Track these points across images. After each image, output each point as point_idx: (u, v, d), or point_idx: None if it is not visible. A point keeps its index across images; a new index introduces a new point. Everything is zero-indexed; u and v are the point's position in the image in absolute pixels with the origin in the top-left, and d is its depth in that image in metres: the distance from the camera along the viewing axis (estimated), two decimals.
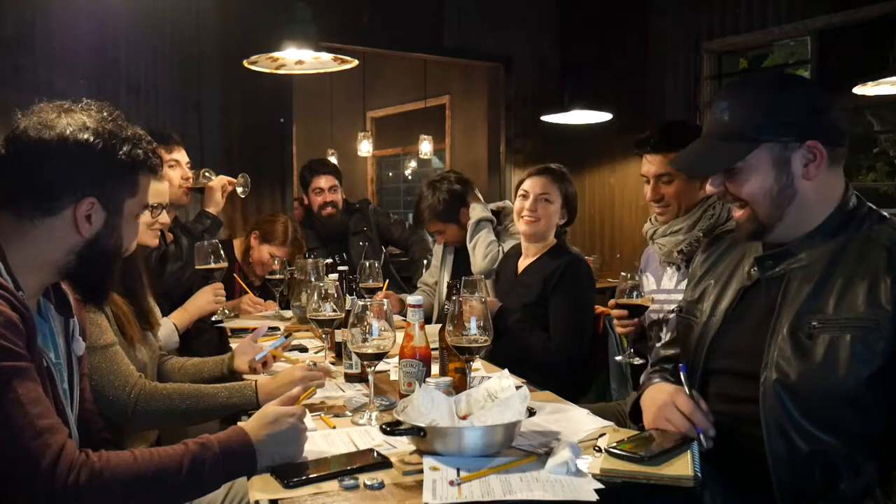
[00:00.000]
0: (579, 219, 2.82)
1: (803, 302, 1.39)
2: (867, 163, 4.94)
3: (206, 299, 2.58)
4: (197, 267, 2.62)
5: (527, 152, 5.49)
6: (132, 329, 1.87)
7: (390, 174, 9.34)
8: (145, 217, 2.24)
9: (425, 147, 6.81)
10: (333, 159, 6.22)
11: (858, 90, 3.40)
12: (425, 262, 3.84)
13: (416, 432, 1.38)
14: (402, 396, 1.73)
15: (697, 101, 4.69)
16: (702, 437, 1.42)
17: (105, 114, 1.28)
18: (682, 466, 1.29)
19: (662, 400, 1.50)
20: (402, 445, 1.47)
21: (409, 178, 8.96)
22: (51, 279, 1.30)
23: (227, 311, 2.76)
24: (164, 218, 2.33)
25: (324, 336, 2.19)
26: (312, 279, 2.65)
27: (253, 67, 3.02)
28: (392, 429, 1.41)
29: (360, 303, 1.68)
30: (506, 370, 1.62)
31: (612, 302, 2.15)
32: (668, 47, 4.88)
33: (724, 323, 1.53)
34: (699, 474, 1.27)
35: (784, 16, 4.20)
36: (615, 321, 2.23)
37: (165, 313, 2.49)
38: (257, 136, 4.52)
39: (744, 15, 4.40)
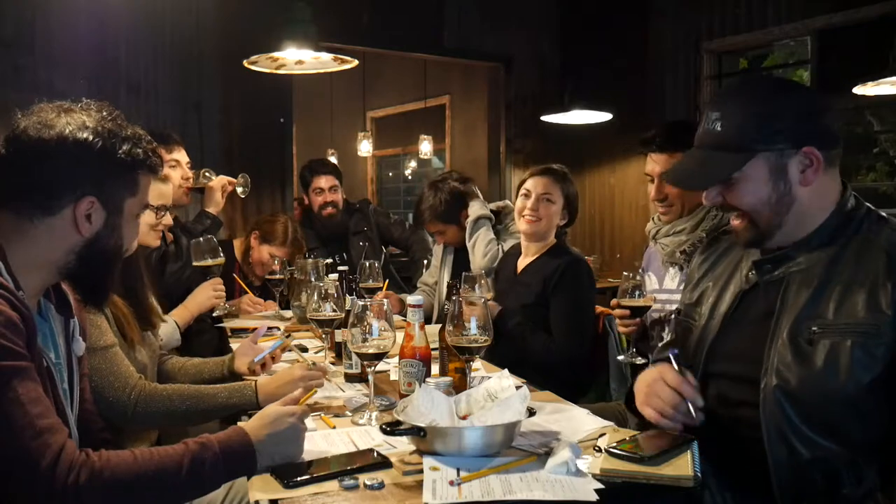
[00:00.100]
0: (579, 219, 2.82)
1: (803, 307, 1.38)
2: (867, 163, 4.93)
3: (205, 295, 2.59)
4: (194, 264, 2.62)
5: (527, 152, 5.49)
6: (132, 330, 1.87)
7: (390, 174, 9.35)
8: (149, 218, 2.25)
9: (425, 147, 6.81)
10: (333, 159, 6.22)
11: (858, 90, 3.40)
12: (425, 262, 3.83)
13: (416, 432, 1.38)
14: (402, 396, 1.73)
15: (697, 101, 4.69)
16: (691, 408, 1.41)
17: (105, 113, 1.28)
18: (682, 466, 1.29)
19: (652, 377, 1.49)
20: (402, 445, 1.47)
21: (409, 178, 8.97)
22: (51, 279, 1.30)
23: (227, 306, 2.76)
24: (168, 219, 2.34)
25: (324, 336, 2.19)
26: (312, 279, 2.66)
27: (253, 67, 3.02)
28: (392, 429, 1.41)
29: (360, 303, 1.68)
30: (506, 370, 1.62)
31: (614, 302, 2.15)
32: (668, 47, 4.88)
33: (722, 327, 1.52)
34: (699, 474, 1.26)
35: (784, 16, 4.20)
36: (617, 321, 2.22)
37: (166, 312, 2.49)
38: (257, 136, 4.52)
39: (744, 15, 4.40)
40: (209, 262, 2.60)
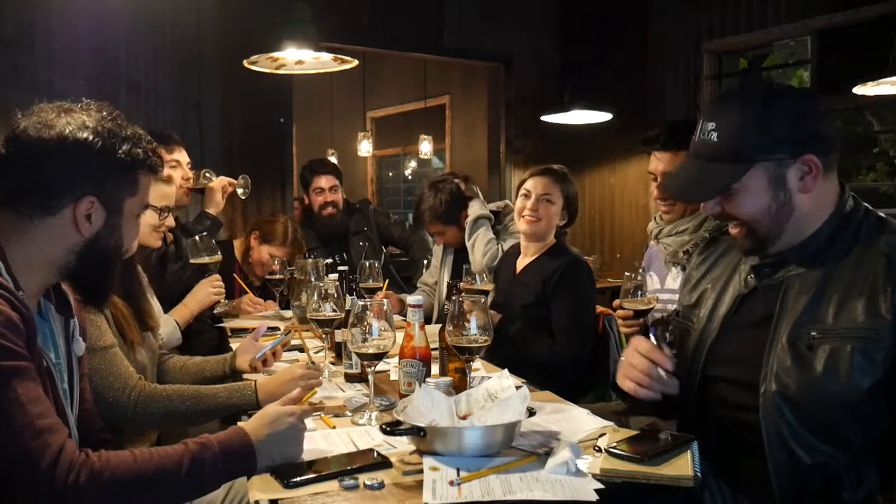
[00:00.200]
0: (579, 219, 2.82)
1: (802, 311, 1.37)
2: (867, 163, 4.94)
3: (204, 292, 2.59)
4: (191, 261, 2.63)
5: (527, 152, 5.49)
6: (132, 332, 1.87)
7: (390, 174, 9.35)
8: (152, 219, 2.26)
9: (425, 147, 6.81)
10: (333, 159, 6.22)
11: (858, 90, 3.40)
12: (425, 262, 3.84)
13: (416, 432, 1.38)
14: (402, 396, 1.73)
15: (697, 101, 4.69)
16: (661, 372, 1.42)
17: (104, 113, 1.28)
18: (682, 466, 1.29)
19: (628, 352, 1.50)
20: (402, 445, 1.47)
21: (409, 178, 8.96)
22: (51, 279, 1.30)
23: (227, 302, 2.77)
24: (170, 221, 2.34)
25: (324, 336, 2.19)
26: (312, 279, 2.66)
27: (253, 67, 3.02)
28: (392, 429, 1.41)
29: (360, 303, 1.68)
30: (506, 370, 1.62)
31: (616, 302, 2.14)
32: (668, 47, 4.88)
33: (721, 330, 1.52)
34: (699, 474, 1.26)
35: (784, 16, 4.20)
36: (620, 321, 2.22)
37: (166, 312, 2.50)
38: (257, 136, 4.52)
39: (744, 15, 4.40)
40: (206, 259, 2.60)
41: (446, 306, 1.93)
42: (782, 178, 1.38)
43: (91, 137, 1.24)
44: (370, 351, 1.66)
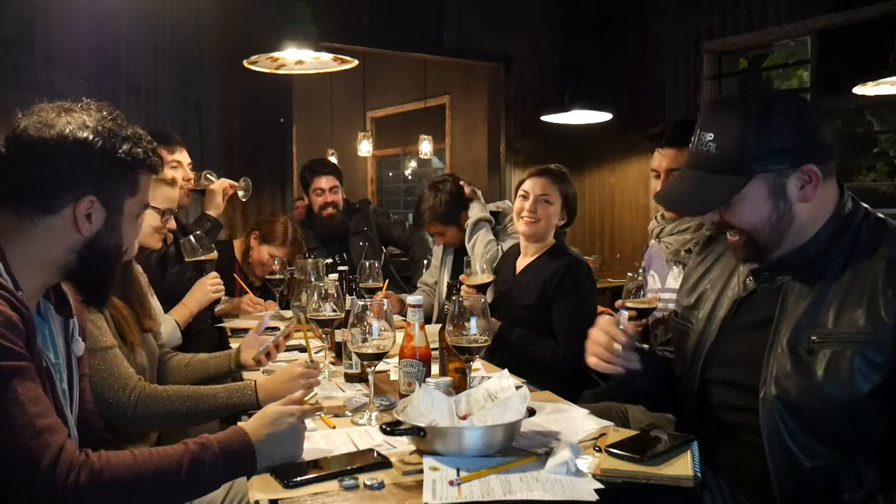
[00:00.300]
0: (579, 219, 2.82)
1: (802, 315, 1.37)
2: (867, 163, 4.94)
3: (203, 291, 2.60)
4: (187, 259, 2.63)
5: (527, 152, 5.49)
6: (132, 333, 1.87)
7: (390, 174, 9.35)
8: (153, 221, 2.26)
9: (425, 147, 6.81)
10: (333, 159, 6.22)
11: (858, 90, 3.40)
12: (425, 262, 3.84)
13: (416, 432, 1.38)
14: (402, 396, 1.73)
15: (697, 101, 4.69)
16: (618, 346, 1.45)
17: (105, 113, 1.28)
18: (682, 466, 1.29)
19: (592, 330, 1.53)
20: (402, 445, 1.47)
21: (409, 178, 8.96)
22: (52, 279, 1.30)
23: (227, 298, 2.77)
24: (172, 223, 2.35)
25: (324, 336, 2.19)
26: (312, 279, 2.65)
27: (253, 67, 3.02)
28: (392, 429, 1.41)
29: (360, 303, 1.68)
30: (506, 370, 1.62)
31: (619, 303, 2.14)
32: (668, 47, 4.88)
33: (720, 332, 1.52)
34: (699, 474, 1.26)
35: (784, 16, 4.20)
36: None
37: (166, 312, 2.50)
38: (257, 136, 4.52)
39: (744, 15, 4.40)
40: (201, 257, 2.61)
41: (446, 306, 1.93)
42: (782, 188, 1.37)
43: (91, 137, 1.24)
44: (370, 351, 1.66)
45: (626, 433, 1.46)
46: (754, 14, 4.35)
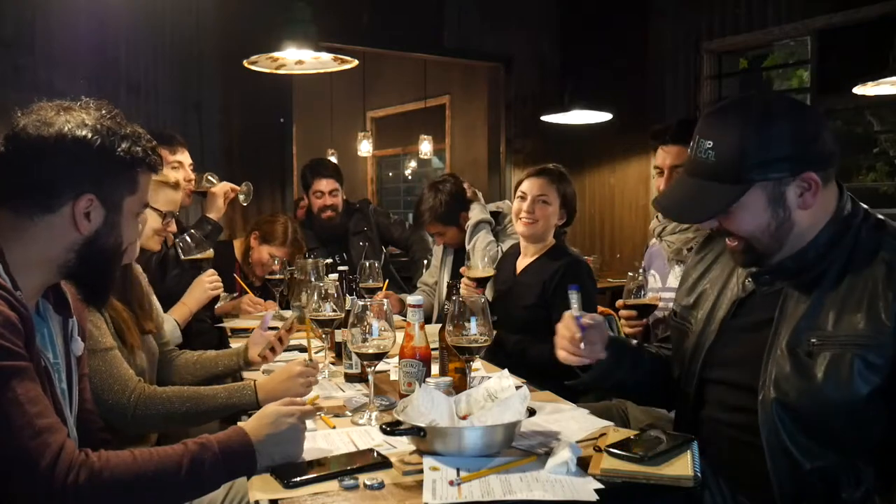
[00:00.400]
0: (579, 219, 2.82)
1: (801, 318, 1.37)
2: (867, 163, 4.94)
3: (201, 289, 2.60)
4: (183, 258, 2.62)
5: (527, 152, 5.49)
6: (131, 335, 1.87)
7: (390, 174, 9.35)
8: (155, 223, 2.25)
9: (425, 147, 6.81)
10: (333, 159, 6.22)
11: (858, 90, 3.40)
12: (425, 262, 3.83)
13: (416, 432, 1.38)
14: (402, 396, 1.73)
15: (697, 101, 4.70)
16: (577, 336, 1.51)
17: (104, 111, 1.28)
18: (682, 466, 1.29)
19: (559, 325, 1.57)
20: (402, 445, 1.47)
21: (409, 178, 8.97)
22: (51, 278, 1.29)
23: (227, 295, 2.76)
24: (173, 226, 2.35)
25: (324, 336, 2.19)
26: (312, 279, 2.65)
27: (253, 67, 3.02)
28: (392, 429, 1.41)
29: (360, 303, 1.68)
30: (506, 370, 1.62)
31: (619, 302, 2.14)
32: (668, 47, 4.88)
33: (720, 333, 1.51)
34: (699, 474, 1.26)
35: (784, 16, 4.20)
36: (623, 321, 2.22)
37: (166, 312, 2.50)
38: (257, 136, 4.52)
39: (744, 15, 4.40)
40: (197, 255, 2.60)
41: (446, 306, 1.92)
42: (781, 196, 1.36)
43: (90, 135, 1.24)
44: (370, 351, 1.66)
45: (626, 433, 1.46)
46: (754, 14, 4.35)
